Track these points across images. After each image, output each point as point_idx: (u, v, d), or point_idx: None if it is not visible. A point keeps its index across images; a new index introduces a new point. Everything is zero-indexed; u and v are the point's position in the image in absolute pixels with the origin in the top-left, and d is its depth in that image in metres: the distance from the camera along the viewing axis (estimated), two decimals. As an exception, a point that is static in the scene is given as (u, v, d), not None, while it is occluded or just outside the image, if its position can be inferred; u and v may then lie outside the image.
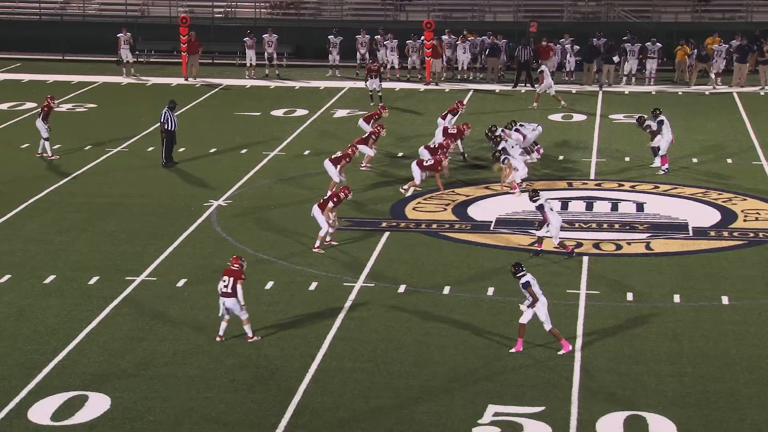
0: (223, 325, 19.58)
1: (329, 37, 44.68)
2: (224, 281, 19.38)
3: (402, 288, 22.09)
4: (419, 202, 27.62)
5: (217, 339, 19.53)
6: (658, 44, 42.68)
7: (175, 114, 31.15)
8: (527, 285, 19.15)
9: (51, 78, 43.93)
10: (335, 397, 17.58)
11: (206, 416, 16.94)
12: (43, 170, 30.52)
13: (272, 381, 18.13)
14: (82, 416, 16.91)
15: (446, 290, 22.00)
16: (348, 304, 21.26)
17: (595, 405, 17.28)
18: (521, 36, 44.00)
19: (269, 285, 21.95)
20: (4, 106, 38.84)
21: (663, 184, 29.28)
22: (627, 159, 31.85)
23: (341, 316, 20.70)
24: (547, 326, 19.14)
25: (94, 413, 16.99)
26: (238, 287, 19.32)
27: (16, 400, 17.36)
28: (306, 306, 21.14)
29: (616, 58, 42.31)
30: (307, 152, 32.33)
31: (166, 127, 30.71)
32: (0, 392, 17.57)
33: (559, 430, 16.56)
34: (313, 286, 22.01)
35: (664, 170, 30.18)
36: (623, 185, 29.32)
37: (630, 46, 42.73)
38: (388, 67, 44.41)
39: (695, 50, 42.65)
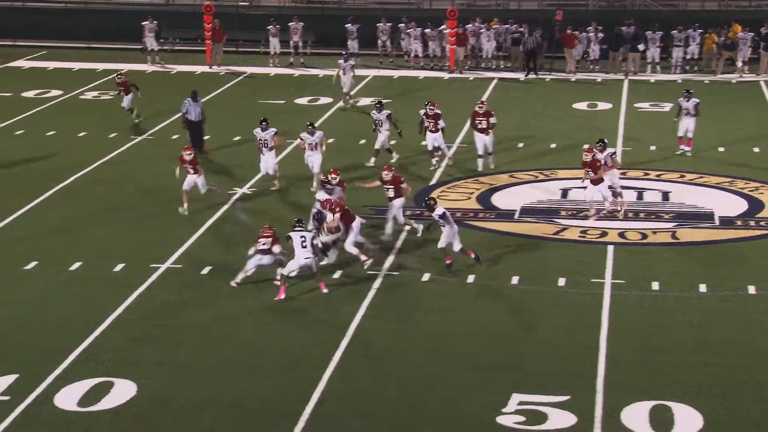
0: (242, 276, 21.14)
1: (346, 25, 44.65)
2: (262, 242, 20.96)
3: (426, 276, 22.07)
4: (443, 191, 27.58)
5: (233, 284, 21.07)
6: (689, 32, 42.53)
7: (200, 104, 30.97)
8: (444, 215, 21.71)
9: (76, 66, 44.07)
10: (359, 385, 17.59)
11: (230, 403, 16.99)
12: (67, 158, 30.62)
13: (296, 369, 18.16)
14: (107, 402, 16.98)
15: (470, 279, 21.97)
16: (372, 292, 21.26)
17: (620, 394, 17.23)
18: (546, 24, 43.84)
19: (294, 272, 21.97)
20: (30, 94, 38.99)
21: (689, 172, 29.15)
22: (652, 148, 31.72)
23: (365, 303, 20.70)
24: (457, 246, 21.72)
25: (120, 399, 17.06)
26: (275, 247, 21.00)
27: (43, 386, 17.45)
28: (330, 293, 21.14)
29: (641, 47, 42.14)
30: (330, 140, 32.33)
31: (187, 116, 30.68)
32: (27, 378, 17.66)
33: (584, 420, 16.52)
34: (337, 273, 22.01)
35: (688, 152, 30.34)
36: (648, 174, 29.20)
37: (651, 34, 42.54)
38: (412, 55, 44.34)
39: (723, 39, 42.43)
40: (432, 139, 28.99)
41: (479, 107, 29.02)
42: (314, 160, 27.20)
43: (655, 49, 42.65)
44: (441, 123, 29.01)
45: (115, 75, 34.88)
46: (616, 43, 42.64)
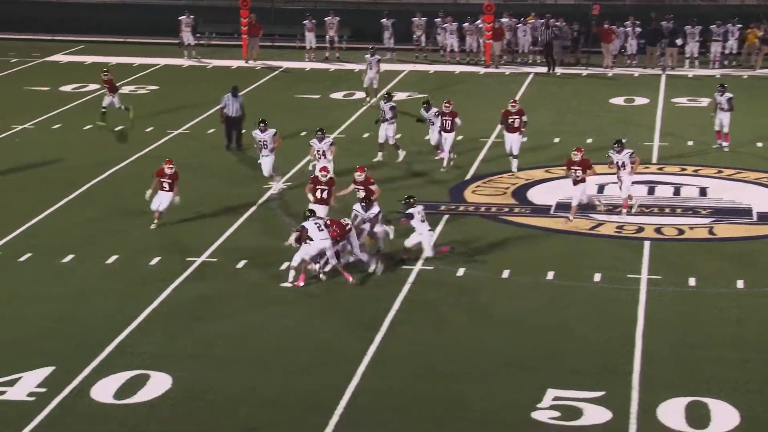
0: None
1: (382, 20, 44.64)
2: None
3: (461, 271, 22.03)
4: (478, 186, 27.52)
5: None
6: (727, 26, 42.23)
7: (239, 100, 30.83)
8: (411, 216, 21.84)
9: (113, 60, 44.29)
10: (393, 381, 17.58)
11: (265, 398, 17.02)
12: (104, 152, 30.77)
13: (330, 364, 18.17)
14: (143, 395, 17.06)
15: (505, 274, 21.91)
16: (406, 287, 21.24)
17: (656, 391, 17.13)
18: (583, 19, 43.63)
19: (328, 266, 21.96)
20: (68, 88, 39.23)
21: (726, 168, 28.94)
22: (690, 143, 31.52)
23: (400, 298, 20.68)
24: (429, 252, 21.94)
25: (156, 392, 17.13)
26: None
27: (79, 378, 17.55)
28: (364, 288, 21.14)
29: (679, 41, 41.87)
30: (366, 135, 32.33)
31: (225, 111, 30.73)
32: (63, 371, 17.77)
33: (620, 416, 16.44)
34: (372, 267, 21.99)
35: (725, 146, 30.11)
36: (686, 169, 29.01)
37: (690, 29, 42.26)
38: (448, 50, 44.28)
39: (762, 33, 42.09)
40: (443, 138, 28.57)
41: (512, 106, 28.59)
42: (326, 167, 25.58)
43: (695, 44, 42.37)
44: (458, 121, 28.61)
45: (102, 71, 33.98)
46: (654, 38, 42.38)
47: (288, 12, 48.25)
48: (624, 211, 25.12)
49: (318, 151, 26.26)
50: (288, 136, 31.44)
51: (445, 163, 28.66)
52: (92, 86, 39.06)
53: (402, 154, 29.51)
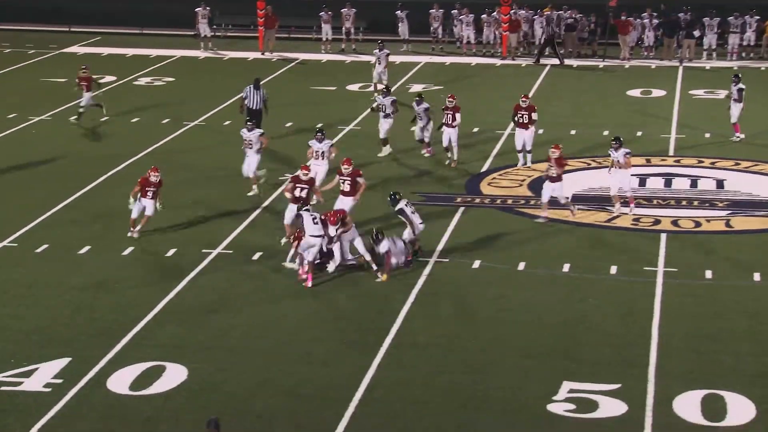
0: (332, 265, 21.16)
1: (396, 12, 44.58)
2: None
3: (476, 263, 22.00)
4: (494, 178, 27.48)
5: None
6: (745, 18, 42.04)
7: (262, 92, 30.46)
8: (402, 212, 21.60)
9: (130, 51, 44.36)
10: (409, 372, 17.58)
11: (280, 389, 17.04)
12: (121, 143, 30.83)
13: (346, 355, 18.18)
14: (159, 386, 17.10)
15: (521, 266, 21.88)
16: (422, 279, 21.23)
17: (672, 383, 17.09)
18: (600, 10, 43.47)
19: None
20: (84, 80, 39.24)
21: (744, 160, 28.83)
22: (707, 135, 31.41)
23: (415, 290, 20.67)
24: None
25: (171, 383, 17.17)
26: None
27: (96, 369, 17.60)
28: (380, 279, 21.12)
29: (697, 33, 41.70)
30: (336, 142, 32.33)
31: (246, 103, 30.51)
32: (80, 362, 17.83)
33: (635, 408, 16.40)
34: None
35: (738, 138, 30.06)
36: (703, 161, 28.91)
37: (709, 21, 42.09)
38: (464, 41, 44.21)
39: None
40: (447, 135, 28.04)
41: (522, 101, 28.05)
42: (320, 170, 24.92)
43: (713, 36, 42.21)
44: (458, 118, 27.95)
45: (80, 68, 33.57)
46: (671, 30, 42.22)
47: (304, 4, 48.17)
48: (632, 206, 24.83)
49: (317, 151, 25.36)
50: (306, 129, 31.43)
51: (455, 156, 28.26)
52: (108, 78, 39.11)
53: (387, 150, 29.05)
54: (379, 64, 36.17)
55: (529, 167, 28.13)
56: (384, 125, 29.23)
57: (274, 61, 42.81)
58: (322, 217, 21.03)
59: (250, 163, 26.13)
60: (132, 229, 23.36)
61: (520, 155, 28.34)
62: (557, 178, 24.19)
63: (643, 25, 43.07)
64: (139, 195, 23.27)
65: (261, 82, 30.95)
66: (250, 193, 26.00)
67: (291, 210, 22.48)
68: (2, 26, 48.94)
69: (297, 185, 22.72)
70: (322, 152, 25.32)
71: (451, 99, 28.31)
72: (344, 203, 22.74)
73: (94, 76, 33.99)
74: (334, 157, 25.42)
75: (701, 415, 16.24)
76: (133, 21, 48.48)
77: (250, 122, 26.72)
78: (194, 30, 45.06)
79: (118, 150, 30.05)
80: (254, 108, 30.43)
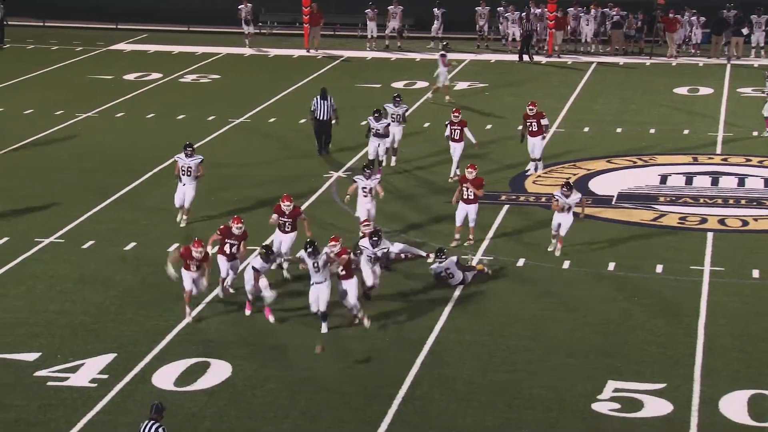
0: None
1: (433, 9, 44.49)
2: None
3: (521, 262, 21.92)
4: (539, 176, 27.35)
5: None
6: None
7: (330, 102, 29.45)
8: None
9: (176, 49, 44.59)
10: (453, 370, 17.55)
11: (323, 386, 17.06)
12: (167, 140, 30.98)
13: (389, 352, 18.17)
14: (203, 383, 17.17)
15: (566, 264, 21.77)
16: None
17: (718, 383, 16.95)
18: (647, 8, 43.17)
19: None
20: (131, 77, 39.54)
21: (792, 159, 28.56)
22: (755, 133, 31.11)
23: (459, 288, 20.63)
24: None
25: (216, 380, 17.24)
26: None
27: (141, 365, 17.71)
28: (424, 278, 21.11)
29: (745, 31, 41.32)
30: (426, 125, 32.28)
31: (316, 116, 29.70)
32: (126, 357, 17.95)
33: (681, 408, 16.28)
34: (431, 258, 21.94)
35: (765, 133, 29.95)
36: (750, 160, 28.65)
37: (756, 18, 41.69)
38: (510, 39, 44.05)
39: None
40: (453, 149, 26.67)
41: (530, 109, 26.82)
42: (371, 209, 22.70)
43: (761, 33, 41.82)
44: (467, 131, 26.59)
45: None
46: (719, 28, 41.85)
47: (350, 1, 48.23)
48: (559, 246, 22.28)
49: (364, 188, 22.69)
50: (348, 122, 31.43)
51: (452, 173, 26.87)
52: (155, 75, 39.34)
53: (393, 160, 28.15)
54: (442, 66, 34.77)
55: (576, 161, 27.98)
56: (397, 134, 28.18)
57: (319, 58, 42.87)
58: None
59: (186, 192, 23.81)
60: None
61: (531, 163, 27.41)
62: (472, 200, 22.56)
63: (691, 22, 42.74)
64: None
65: (327, 92, 29.63)
66: (182, 225, 24.00)
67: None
68: (50, 23, 49.36)
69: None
70: (371, 188, 22.71)
71: (456, 114, 26.94)
72: (286, 240, 21.17)
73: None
74: (381, 194, 22.95)
75: (747, 415, 16.09)
76: (179, 18, 48.67)
77: (189, 148, 24.04)
78: (240, 27, 45.13)
79: (165, 146, 30.14)
80: (323, 119, 29.44)
